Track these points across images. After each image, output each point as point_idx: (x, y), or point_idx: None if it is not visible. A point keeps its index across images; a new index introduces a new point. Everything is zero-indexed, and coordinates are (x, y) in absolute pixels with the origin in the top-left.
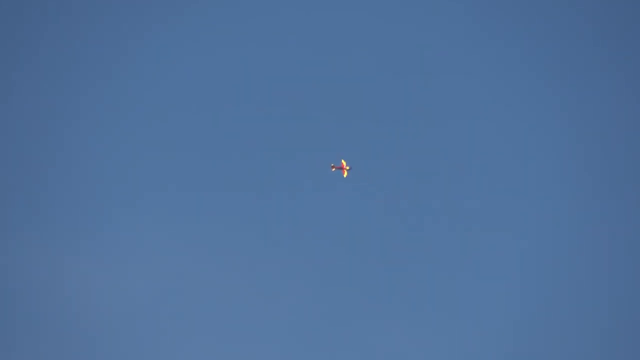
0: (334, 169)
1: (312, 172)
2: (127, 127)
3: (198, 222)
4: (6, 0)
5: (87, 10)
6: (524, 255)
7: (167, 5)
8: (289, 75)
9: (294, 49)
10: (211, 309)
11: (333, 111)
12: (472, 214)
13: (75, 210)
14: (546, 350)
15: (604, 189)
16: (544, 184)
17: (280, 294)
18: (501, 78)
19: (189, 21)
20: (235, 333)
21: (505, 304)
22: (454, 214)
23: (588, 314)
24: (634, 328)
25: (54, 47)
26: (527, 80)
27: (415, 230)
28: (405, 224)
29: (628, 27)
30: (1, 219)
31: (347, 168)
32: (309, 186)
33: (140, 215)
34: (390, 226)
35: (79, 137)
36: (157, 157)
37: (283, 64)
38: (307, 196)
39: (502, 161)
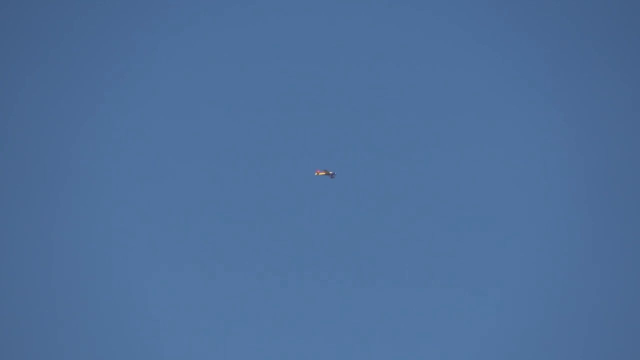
0: (317, 174)
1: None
2: (126, 128)
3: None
4: (7, 2)
5: (85, 12)
6: (522, 255)
7: (161, 10)
8: (287, 78)
9: (292, 54)
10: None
11: (332, 114)
12: (471, 213)
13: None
14: (545, 350)
15: (604, 190)
16: (543, 183)
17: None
18: (500, 79)
19: (182, 26)
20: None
21: (503, 305)
22: (451, 215)
23: (587, 314)
24: (634, 328)
25: (52, 47)
26: (527, 80)
27: (412, 230)
28: (400, 225)
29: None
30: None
31: (331, 173)
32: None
33: (133, 214)
34: (387, 227)
35: (74, 138)
36: (152, 159)
37: (281, 68)
38: (302, 194)
39: (502, 162)
